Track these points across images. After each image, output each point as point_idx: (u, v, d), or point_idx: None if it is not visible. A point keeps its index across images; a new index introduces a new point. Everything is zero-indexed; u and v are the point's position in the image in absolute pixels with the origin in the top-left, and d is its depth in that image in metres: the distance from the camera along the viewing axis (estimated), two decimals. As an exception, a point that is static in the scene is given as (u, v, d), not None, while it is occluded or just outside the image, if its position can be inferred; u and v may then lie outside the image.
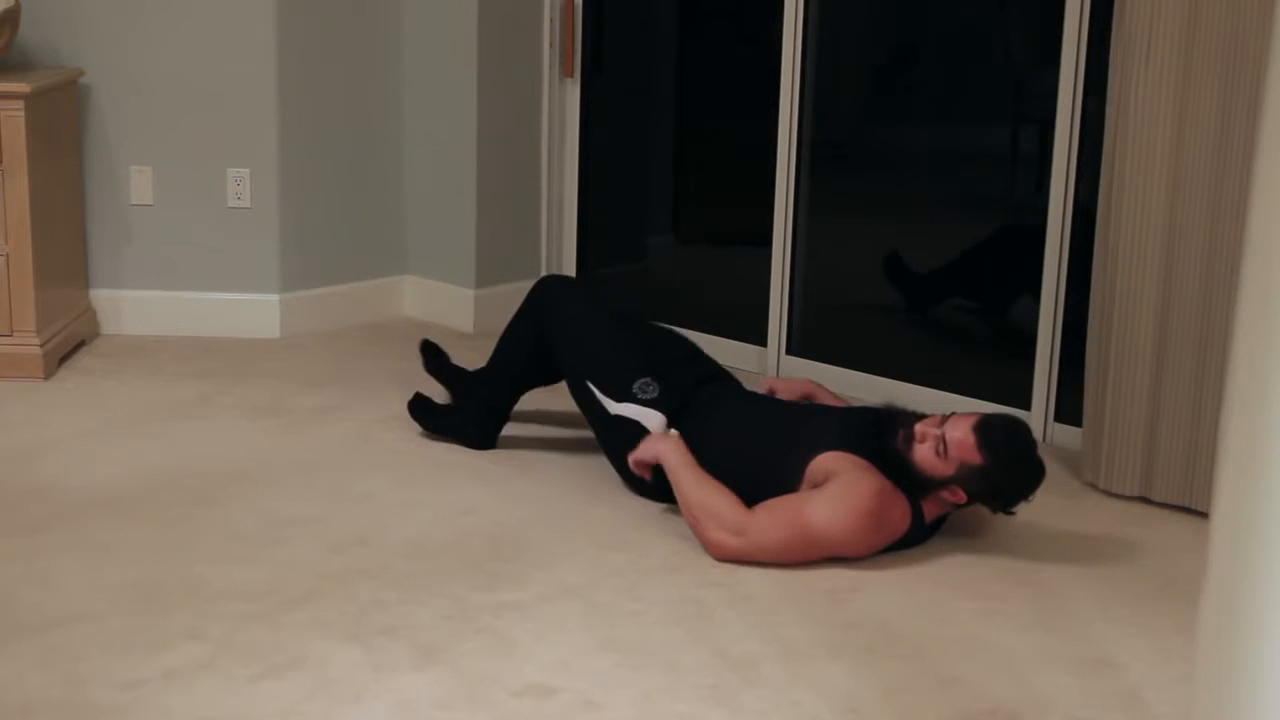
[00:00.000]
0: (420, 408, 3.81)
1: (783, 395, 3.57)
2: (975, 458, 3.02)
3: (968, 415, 3.10)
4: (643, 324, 3.70)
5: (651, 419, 3.34)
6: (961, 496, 3.08)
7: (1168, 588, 3.04)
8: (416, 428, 3.80)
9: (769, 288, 4.48)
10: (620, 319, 3.60)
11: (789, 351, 4.47)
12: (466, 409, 3.74)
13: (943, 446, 3.03)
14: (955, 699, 2.56)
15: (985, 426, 3.05)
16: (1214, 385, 3.32)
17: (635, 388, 3.38)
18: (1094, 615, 2.91)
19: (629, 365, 3.42)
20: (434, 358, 4.00)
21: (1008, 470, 3.06)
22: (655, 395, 3.36)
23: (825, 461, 3.10)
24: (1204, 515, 3.26)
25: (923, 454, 3.05)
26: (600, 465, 3.60)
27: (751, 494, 3.11)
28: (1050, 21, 3.80)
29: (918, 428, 3.08)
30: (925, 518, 3.13)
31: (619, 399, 3.39)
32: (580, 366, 3.47)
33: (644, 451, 3.27)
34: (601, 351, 3.47)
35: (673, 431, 3.32)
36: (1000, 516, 3.27)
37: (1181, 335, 3.38)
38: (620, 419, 3.38)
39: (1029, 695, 2.58)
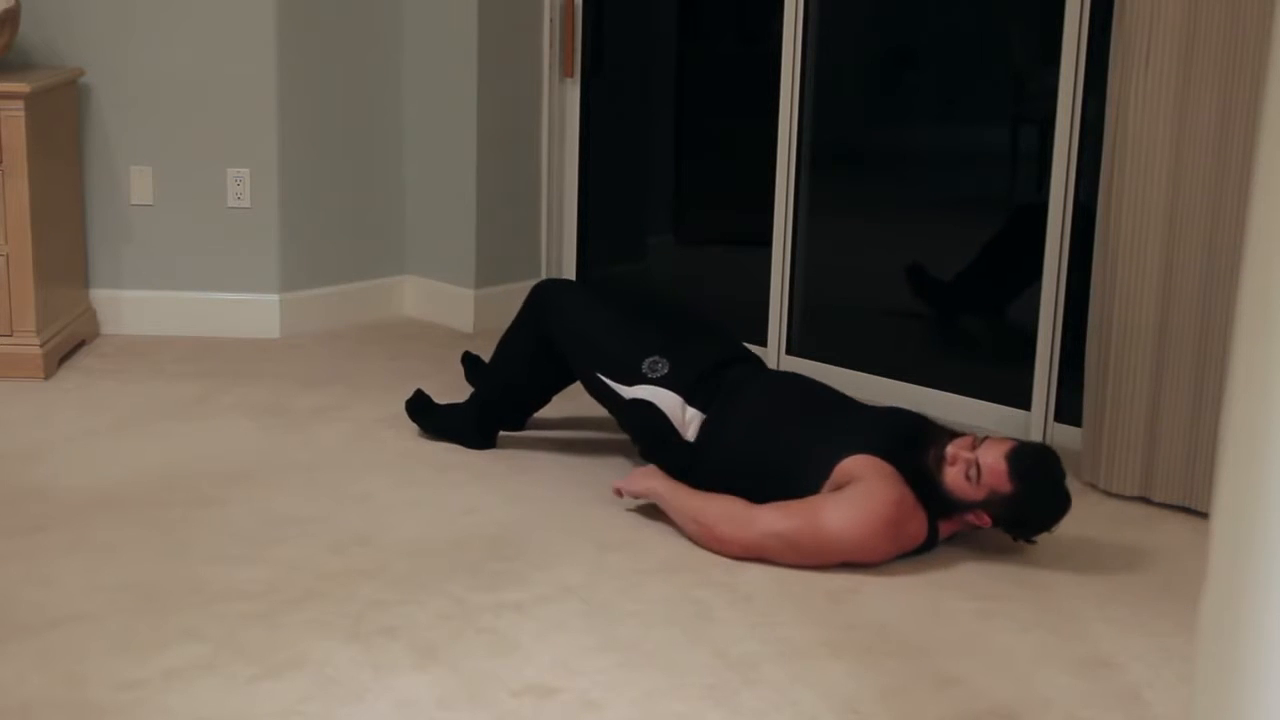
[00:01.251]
0: (418, 407, 3.81)
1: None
2: (1006, 485, 3.00)
3: (1001, 441, 3.07)
4: (656, 305, 3.67)
5: (664, 398, 3.32)
6: (986, 521, 3.06)
7: (1168, 588, 3.04)
8: (416, 427, 3.80)
9: (769, 288, 4.48)
10: (627, 305, 3.59)
11: (789, 351, 4.47)
12: (465, 410, 3.74)
13: (975, 471, 3.00)
14: (955, 699, 2.56)
15: (1019, 455, 3.02)
16: (1214, 385, 3.32)
17: (644, 367, 3.36)
18: (1094, 615, 2.91)
19: (635, 347, 3.40)
20: (476, 369, 3.98)
21: (1037, 500, 3.05)
22: (665, 372, 3.34)
23: (852, 465, 3.07)
24: (1204, 515, 3.26)
25: (953, 477, 3.03)
26: (600, 465, 3.60)
27: (773, 486, 3.11)
28: (1050, 21, 3.80)
29: (949, 449, 3.05)
30: (940, 534, 3.12)
31: (630, 383, 3.37)
32: (588, 360, 3.46)
33: (631, 484, 3.28)
34: (606, 340, 3.46)
35: (650, 467, 3.32)
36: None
37: (1181, 335, 3.38)
38: (636, 402, 3.36)
39: (1029, 695, 2.58)
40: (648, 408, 3.33)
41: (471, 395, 3.79)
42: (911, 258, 4.37)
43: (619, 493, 3.30)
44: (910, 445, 3.10)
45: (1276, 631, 1.42)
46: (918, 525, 3.06)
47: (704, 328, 3.62)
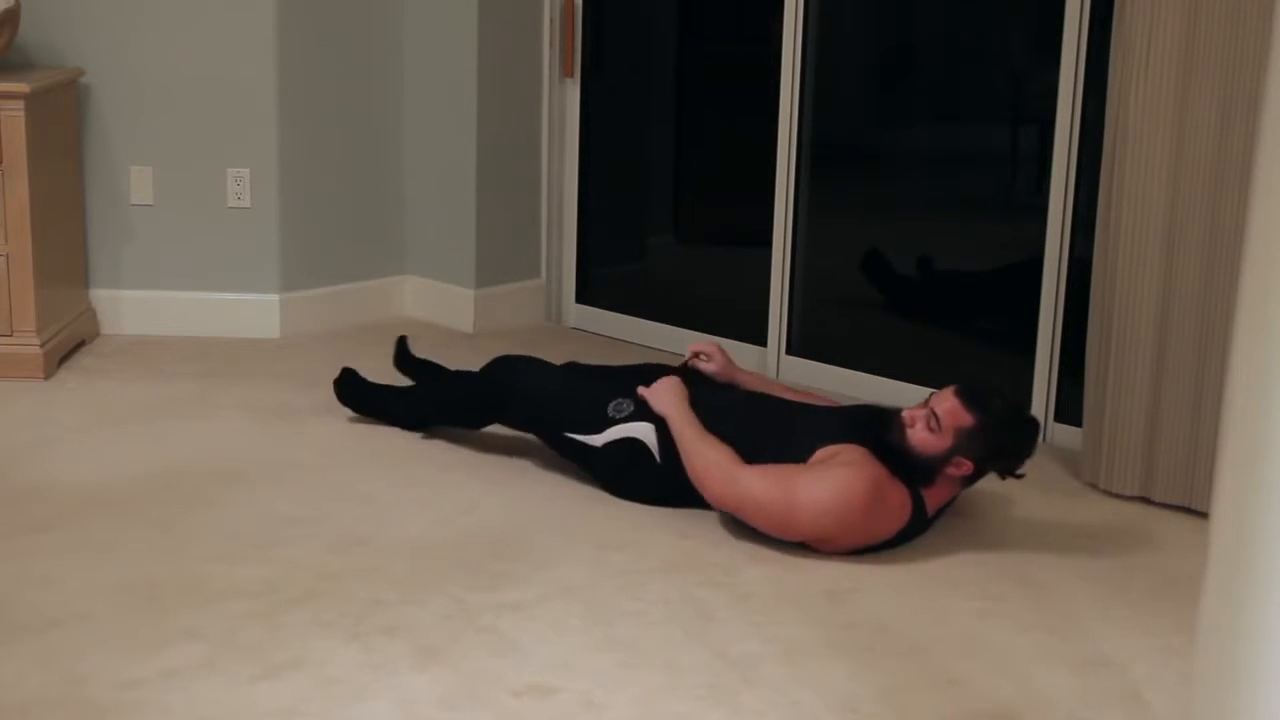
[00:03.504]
0: (348, 386, 3.91)
1: (719, 374, 3.63)
2: (966, 419, 3.07)
3: (947, 389, 3.16)
4: (600, 367, 3.72)
5: (640, 429, 3.35)
6: (967, 466, 3.10)
7: (1168, 588, 3.04)
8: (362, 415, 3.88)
9: (769, 288, 4.48)
10: (569, 367, 3.67)
11: (789, 351, 4.47)
12: (405, 401, 3.86)
13: (935, 421, 3.08)
14: (955, 699, 2.56)
15: (967, 388, 3.13)
16: (1214, 385, 3.32)
17: (610, 410, 3.41)
18: (1094, 615, 2.91)
19: (596, 399, 3.45)
20: (405, 354, 4.06)
21: (1001, 421, 3.12)
22: (632, 410, 3.39)
23: (829, 451, 3.14)
24: (1204, 515, 3.26)
25: (918, 436, 3.09)
26: (600, 465, 3.60)
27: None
28: (1050, 21, 3.80)
29: (905, 415, 3.14)
30: (928, 508, 3.14)
31: (600, 430, 3.40)
32: (555, 425, 3.50)
33: (654, 399, 3.35)
34: (566, 402, 3.50)
35: (675, 383, 3.38)
36: (1001, 516, 3.27)
37: (1181, 335, 3.38)
38: (610, 444, 3.39)
39: (1029, 695, 2.58)
40: (625, 444, 3.36)
41: (414, 394, 3.88)
42: (915, 257, 4.38)
43: (642, 397, 3.39)
44: (873, 429, 3.17)
45: (1276, 631, 1.42)
46: (898, 497, 3.10)
47: (650, 369, 3.67)
